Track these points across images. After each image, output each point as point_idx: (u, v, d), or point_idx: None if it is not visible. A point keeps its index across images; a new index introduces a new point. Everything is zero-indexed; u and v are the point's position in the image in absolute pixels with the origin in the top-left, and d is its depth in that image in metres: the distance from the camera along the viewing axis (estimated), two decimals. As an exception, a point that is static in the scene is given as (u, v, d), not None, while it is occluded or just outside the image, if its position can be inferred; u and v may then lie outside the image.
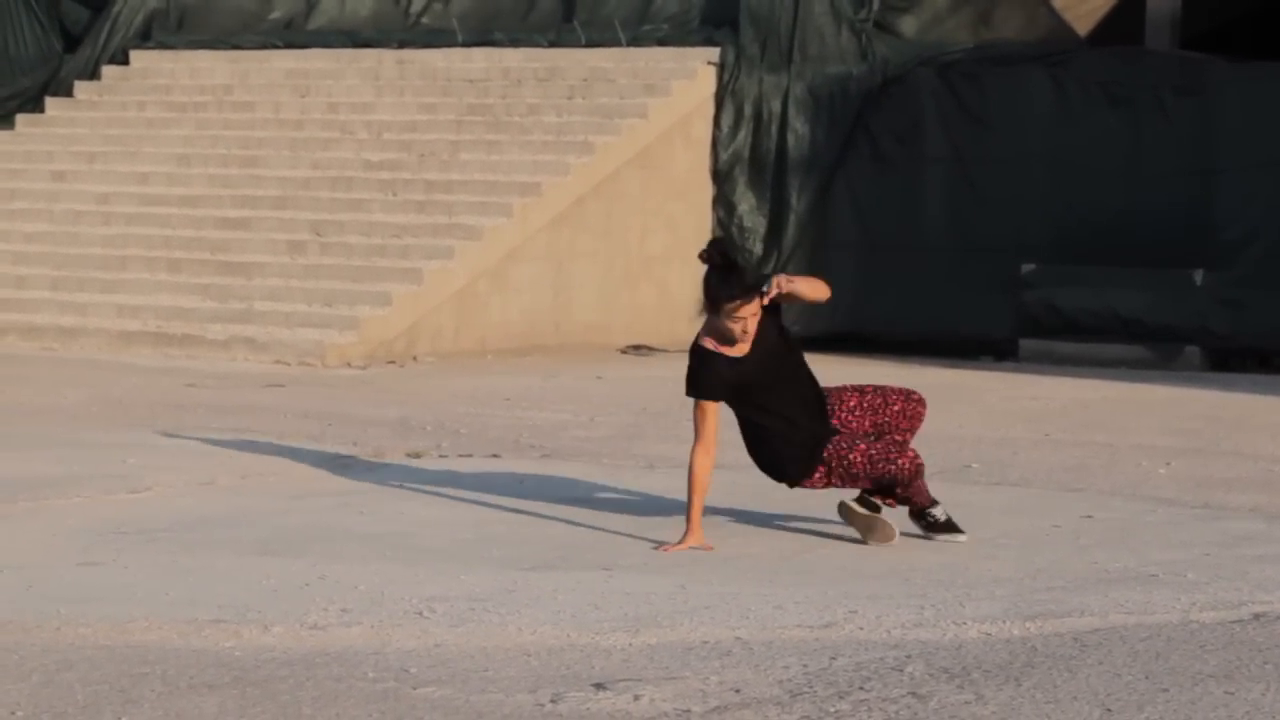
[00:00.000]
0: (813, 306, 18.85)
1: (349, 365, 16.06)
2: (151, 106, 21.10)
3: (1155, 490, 9.98)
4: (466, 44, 20.57)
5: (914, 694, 5.83)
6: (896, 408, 8.40)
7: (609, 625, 6.65)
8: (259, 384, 14.53)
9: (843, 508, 8.46)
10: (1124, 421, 13.09)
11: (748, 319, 8.16)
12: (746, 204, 19.32)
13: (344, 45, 21.11)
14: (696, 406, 8.20)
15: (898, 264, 18.91)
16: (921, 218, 18.95)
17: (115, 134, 20.72)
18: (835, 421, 8.30)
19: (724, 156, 19.32)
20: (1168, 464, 10.91)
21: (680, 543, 8.09)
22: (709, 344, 8.27)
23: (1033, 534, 8.61)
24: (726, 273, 8.23)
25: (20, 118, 21.56)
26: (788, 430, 8.22)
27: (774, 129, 19.26)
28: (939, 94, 18.93)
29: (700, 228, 19.26)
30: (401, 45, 20.86)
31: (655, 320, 18.81)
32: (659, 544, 8.15)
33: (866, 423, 8.34)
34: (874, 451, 8.15)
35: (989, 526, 8.77)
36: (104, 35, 21.92)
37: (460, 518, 8.79)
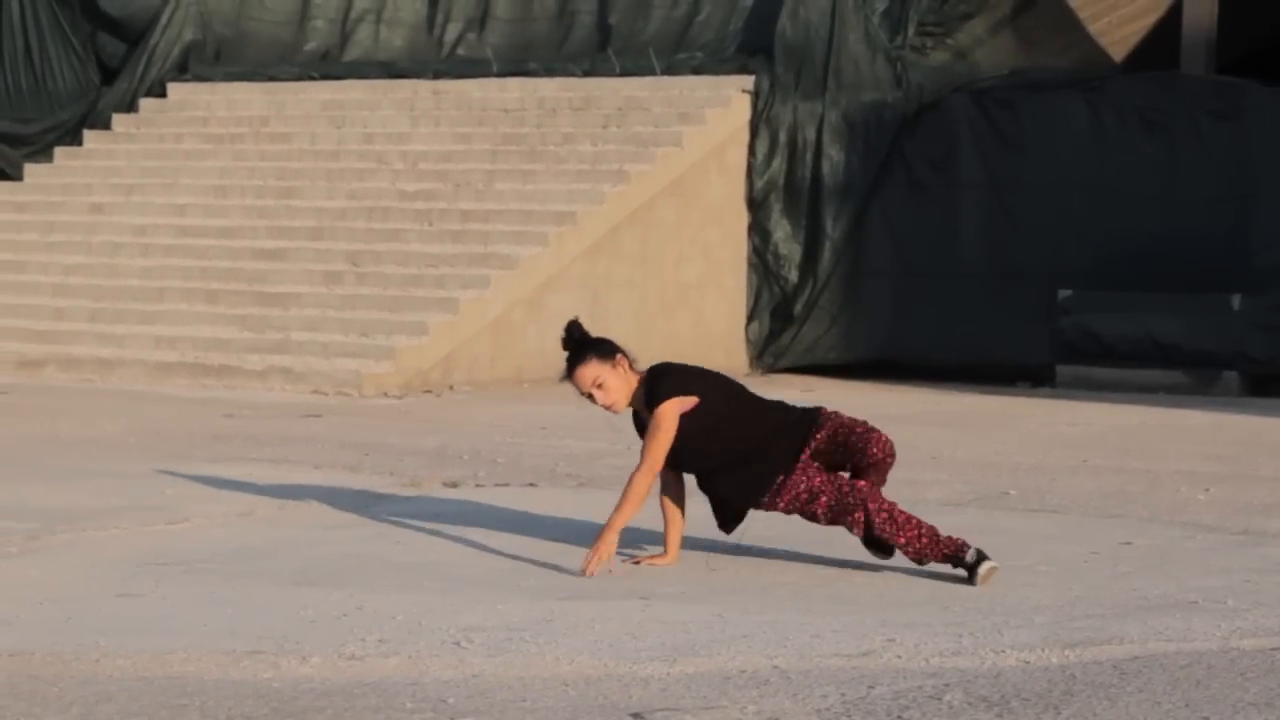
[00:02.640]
0: (850, 333, 19.14)
1: (386, 395, 16.09)
2: (188, 138, 21.20)
3: (1194, 516, 9.94)
4: (501, 74, 20.63)
5: (953, 723, 5.82)
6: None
7: (646, 655, 6.64)
8: (296, 414, 14.56)
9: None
10: (1162, 447, 13.04)
11: (591, 392, 8.20)
12: (782, 231, 19.32)
13: (379, 76, 21.19)
14: None
15: (934, 291, 18.90)
16: (957, 244, 18.94)
17: (153, 166, 20.82)
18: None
19: (759, 184, 19.33)
20: (1207, 490, 10.87)
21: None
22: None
23: (1071, 561, 8.58)
24: (572, 348, 8.28)
25: (58, 150, 21.69)
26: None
27: (809, 156, 19.27)
28: (974, 120, 18.93)
29: (736, 255, 19.28)
30: (436, 76, 20.93)
31: (691, 348, 18.80)
32: (630, 558, 8.36)
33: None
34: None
35: (1027, 554, 8.74)
36: (141, 68, 22.04)
37: (497, 547, 8.79)
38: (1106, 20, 21.73)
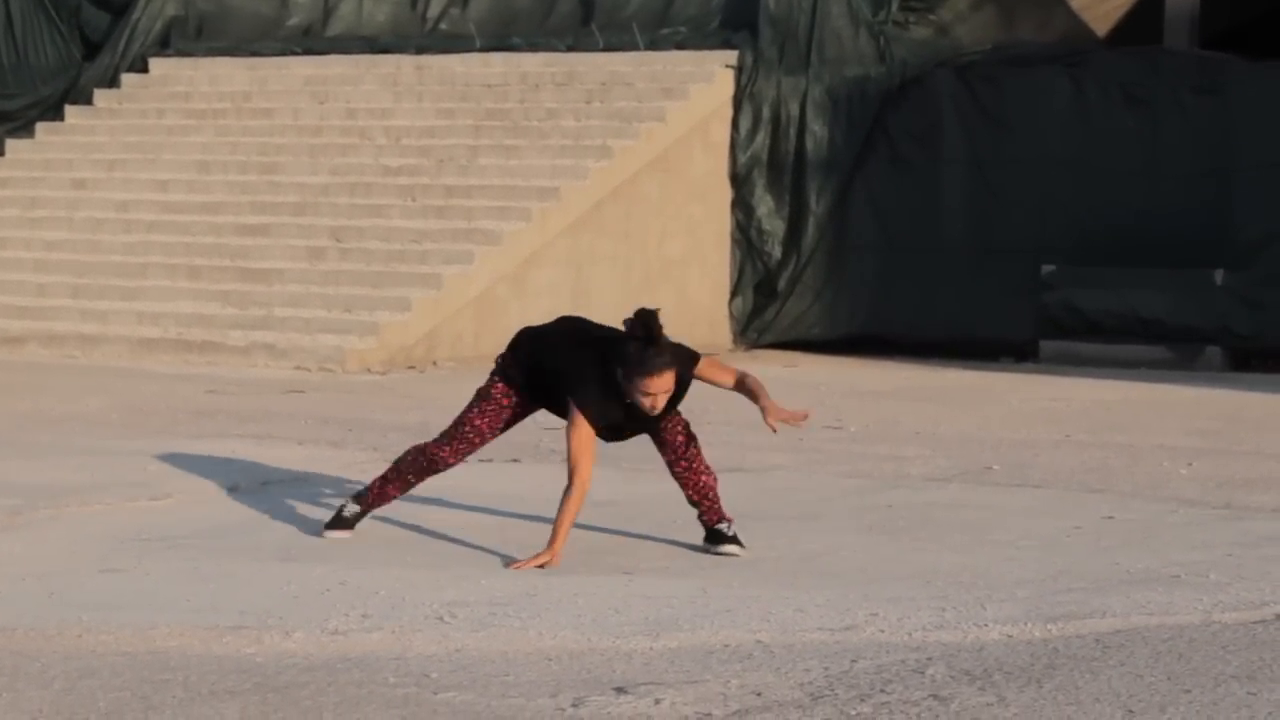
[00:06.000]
0: (834, 308, 19.14)
1: (369, 371, 16.08)
2: (171, 114, 21.14)
3: (1177, 491, 9.96)
4: (484, 49, 20.59)
5: (935, 696, 5.83)
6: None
7: (630, 629, 6.66)
8: (279, 390, 14.55)
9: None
10: (1145, 422, 13.07)
11: (657, 395, 7.68)
12: (765, 207, 19.31)
13: (362, 51, 21.14)
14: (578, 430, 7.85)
15: (917, 266, 18.90)
16: (941, 219, 18.94)
17: (135, 141, 20.76)
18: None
19: (742, 159, 19.31)
20: (1189, 464, 10.89)
21: (535, 559, 7.79)
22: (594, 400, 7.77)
23: (1054, 535, 8.60)
24: (646, 345, 7.70)
25: (40, 126, 21.61)
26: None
27: (792, 132, 19.26)
28: (957, 95, 18.92)
29: (719, 231, 19.27)
30: (419, 51, 20.88)
31: (674, 323, 18.60)
32: (510, 561, 7.84)
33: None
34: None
35: (1010, 528, 8.76)
36: (123, 43, 21.96)
37: (480, 522, 8.80)
38: (1089, -5, 21.71)
